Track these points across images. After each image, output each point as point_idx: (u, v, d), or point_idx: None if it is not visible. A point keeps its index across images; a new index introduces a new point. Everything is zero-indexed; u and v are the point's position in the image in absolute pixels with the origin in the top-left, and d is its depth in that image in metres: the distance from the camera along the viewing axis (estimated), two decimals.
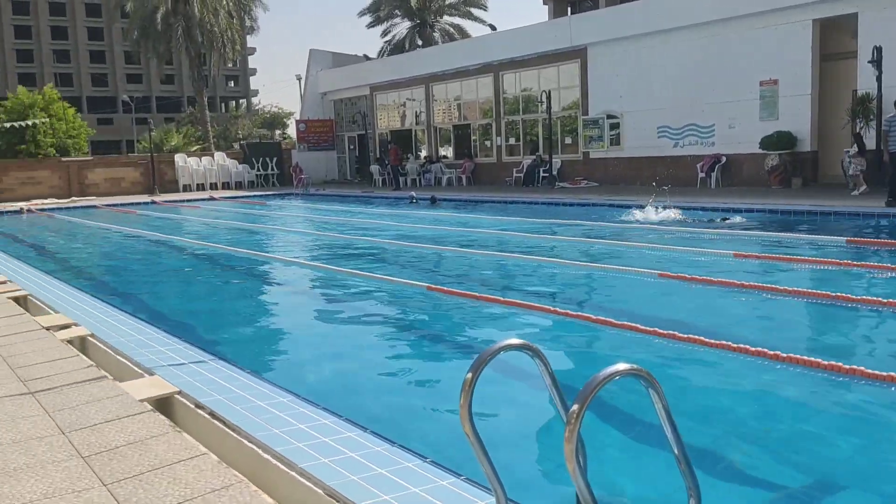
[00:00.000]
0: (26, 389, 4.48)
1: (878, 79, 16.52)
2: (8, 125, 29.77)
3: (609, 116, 23.87)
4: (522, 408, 4.70)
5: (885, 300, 6.78)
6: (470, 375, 2.55)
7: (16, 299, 7.72)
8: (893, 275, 8.43)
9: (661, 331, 5.89)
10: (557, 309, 6.98)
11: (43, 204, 26.01)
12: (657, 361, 5.52)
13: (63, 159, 30.47)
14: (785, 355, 5.12)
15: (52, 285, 8.88)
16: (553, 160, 24.90)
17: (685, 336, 5.74)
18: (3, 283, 8.79)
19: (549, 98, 24.44)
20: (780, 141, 19.14)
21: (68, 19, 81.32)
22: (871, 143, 17.12)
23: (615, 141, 23.84)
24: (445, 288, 8.46)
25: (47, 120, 30.75)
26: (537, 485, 3.63)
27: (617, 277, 9.06)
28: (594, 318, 6.53)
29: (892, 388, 4.57)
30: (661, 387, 2.33)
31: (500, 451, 3.77)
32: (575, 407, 2.17)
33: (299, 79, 37.50)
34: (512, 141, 28.20)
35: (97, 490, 3.07)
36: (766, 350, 5.23)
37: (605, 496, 2.78)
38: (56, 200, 27.46)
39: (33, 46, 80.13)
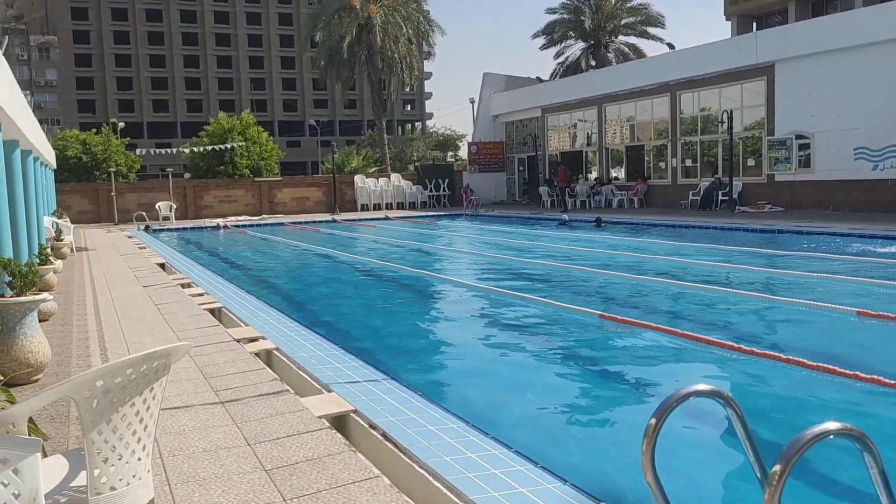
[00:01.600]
0: (217, 399, 4.78)
1: None
2: (210, 148, 32.64)
3: (798, 137, 22.31)
4: (709, 458, 4.38)
5: None
6: (654, 421, 2.39)
7: (211, 311, 8.35)
8: None
9: (863, 374, 5.34)
10: (741, 346, 6.52)
11: (237, 220, 28.20)
12: (859, 409, 5.00)
13: (256, 179, 32.93)
14: None
15: (243, 298, 9.52)
16: (733, 182, 23.62)
17: (891, 382, 5.16)
18: (202, 294, 9.55)
19: (730, 118, 23.27)
20: None
21: (264, 49, 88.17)
22: None
23: (804, 163, 22.24)
24: (619, 317, 8.19)
25: (244, 143, 33.38)
26: None
27: (810, 313, 8.36)
28: (784, 357, 6.04)
29: None
30: (875, 448, 2.06)
31: None
32: (777, 468, 1.96)
33: (472, 102, 38.24)
34: (688, 162, 27.10)
35: None
36: None
37: None
38: (248, 217, 29.68)
39: (233, 75, 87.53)
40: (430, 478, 3.44)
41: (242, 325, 7.51)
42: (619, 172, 30.76)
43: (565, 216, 23.37)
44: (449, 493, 3.26)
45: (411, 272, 13.19)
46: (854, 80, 20.50)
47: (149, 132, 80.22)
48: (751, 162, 24.58)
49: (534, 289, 10.68)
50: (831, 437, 1.99)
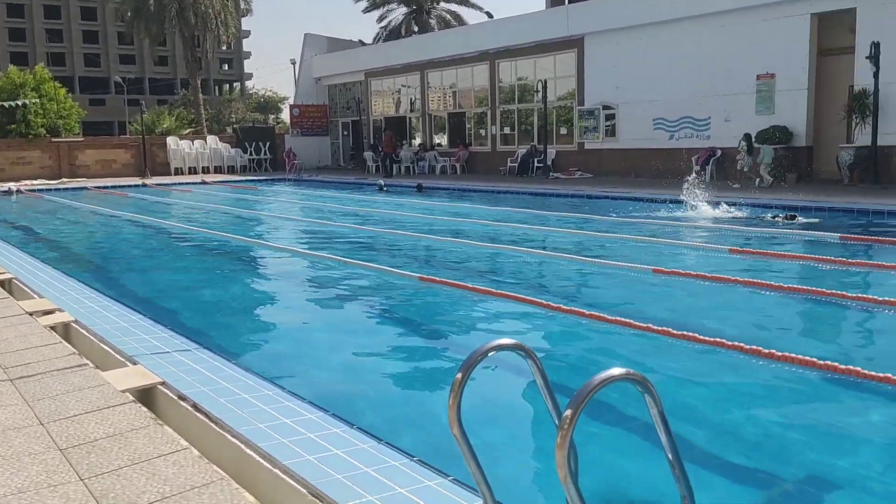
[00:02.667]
0: (5, 376, 4.37)
1: (875, 75, 16.46)
2: None
3: (605, 107, 23.75)
4: (514, 409, 4.62)
5: (882, 299, 6.73)
6: (460, 376, 2.46)
7: (0, 282, 7.60)
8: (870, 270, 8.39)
9: (655, 327, 5.82)
10: (552, 304, 6.89)
11: (33, 184, 25.77)
12: (650, 358, 5.46)
13: (54, 140, 30.17)
14: (780, 354, 5.06)
15: (37, 269, 8.75)
16: (548, 150, 24.79)
17: (678, 333, 5.67)
18: None
19: (545, 88, 24.30)
20: (776, 135, 19.07)
21: None
22: (865, 139, 17.09)
23: (610, 132, 23.74)
24: (438, 279, 8.37)
25: (38, 100, 30.41)
26: (527, 490, 3.56)
27: (613, 272, 8.98)
28: (588, 313, 6.45)
29: (888, 387, 4.52)
30: (656, 391, 2.25)
31: (490, 454, 3.70)
32: (568, 412, 2.09)
33: (294, 63, 37.23)
34: (507, 130, 28.07)
35: (74, 485, 2.98)
36: (760, 349, 5.17)
37: (596, 501, 2.70)
38: (46, 181, 27.21)
39: (25, 25, 79.27)
40: (243, 446, 3.36)
41: (36, 296, 6.90)
42: (443, 139, 31.30)
43: (381, 181, 23.55)
44: (262, 461, 3.19)
45: (229, 238, 12.72)
46: (655, 54, 22.06)
47: None
48: (563, 131, 25.89)
49: (356, 253, 10.66)
50: (616, 381, 2.14)
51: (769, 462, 3.85)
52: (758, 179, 18.48)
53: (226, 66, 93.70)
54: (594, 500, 2.91)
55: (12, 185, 24.76)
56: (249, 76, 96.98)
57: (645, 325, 5.91)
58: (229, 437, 3.47)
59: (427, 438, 4.02)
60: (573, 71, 24.79)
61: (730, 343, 5.33)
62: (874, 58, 16.44)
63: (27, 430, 3.55)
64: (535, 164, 25.22)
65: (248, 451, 3.30)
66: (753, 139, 19.18)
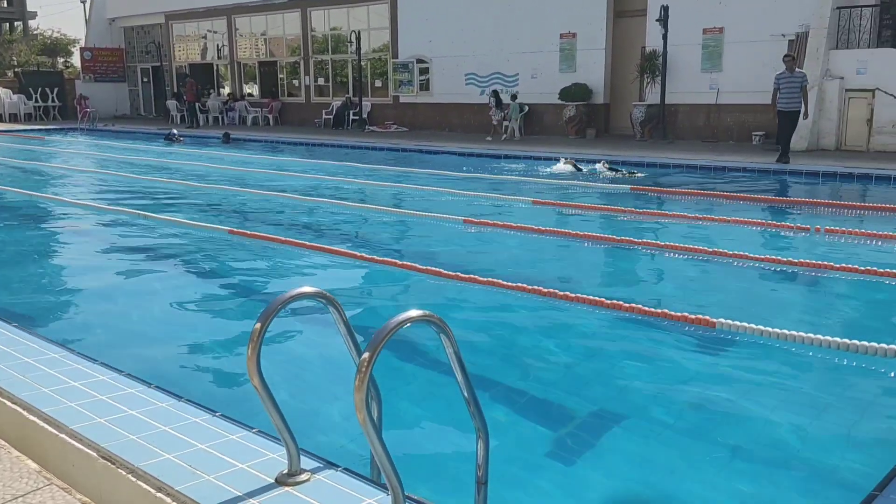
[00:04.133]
0: None
1: (664, 37, 17.77)
2: None
3: (419, 61, 23.88)
4: (319, 358, 4.61)
5: (663, 243, 7.40)
6: (258, 325, 2.41)
7: None
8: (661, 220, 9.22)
9: (463, 275, 6.03)
10: (363, 254, 6.92)
11: None
12: (461, 304, 5.65)
13: None
14: (574, 295, 5.42)
15: None
16: (363, 103, 24.60)
17: (484, 280, 5.91)
18: None
19: (358, 39, 23.98)
20: (577, 93, 20.14)
21: None
22: (654, 97, 18.49)
23: (425, 86, 23.95)
24: (248, 231, 8.12)
25: None
26: (332, 435, 3.58)
27: (427, 223, 9.14)
28: (400, 263, 6.55)
29: (664, 322, 5.00)
30: (452, 332, 2.33)
31: (294, 403, 3.69)
32: (365, 355, 2.11)
33: (84, 1, 33.91)
34: (321, 81, 27.49)
35: None
36: (556, 291, 5.51)
37: (397, 443, 2.78)
38: None
39: None
40: (25, 412, 3.09)
41: None
42: (254, 89, 30.09)
43: (174, 131, 22.38)
44: (46, 425, 2.96)
45: (10, 193, 11.54)
46: (464, 11, 22.39)
47: None
48: (378, 83, 25.77)
49: (159, 208, 10.07)
50: (413, 323, 2.19)
51: (559, 394, 4.15)
52: (509, 131, 20.55)
53: (4, 3, 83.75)
54: (397, 441, 3.00)
55: None
56: (33, 15, 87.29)
57: (454, 274, 6.10)
58: (8, 403, 3.18)
59: (232, 393, 3.93)
60: (387, 23, 24.63)
61: (529, 287, 5.64)
62: (663, 20, 17.72)
63: None
64: (351, 116, 24.97)
65: (30, 416, 3.05)
66: (502, 94, 21.12)
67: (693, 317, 4.93)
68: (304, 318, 5.02)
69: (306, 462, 2.61)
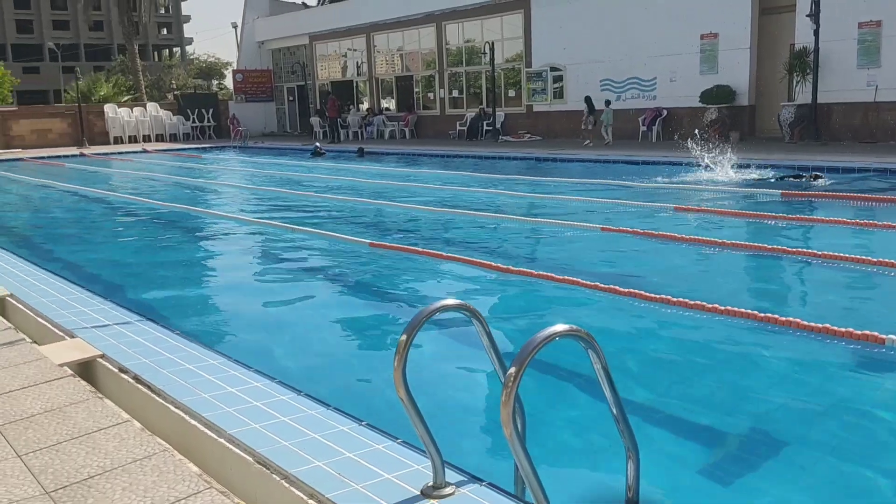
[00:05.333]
0: None
1: (816, 33, 16.73)
2: None
3: (552, 69, 23.71)
4: (462, 370, 4.61)
5: (821, 252, 6.91)
6: (404, 338, 2.43)
7: None
8: (825, 226, 8.61)
9: (603, 285, 5.87)
10: (500, 265, 6.90)
11: None
12: (600, 317, 5.51)
13: None
14: (724, 308, 5.15)
15: None
16: (497, 113, 24.71)
17: (626, 290, 5.73)
18: None
19: (492, 50, 24.13)
20: (720, 95, 19.32)
21: None
22: (805, 97, 17.42)
23: (558, 94, 23.75)
24: (388, 244, 8.30)
25: None
26: (475, 449, 3.56)
27: (562, 232, 9.02)
28: (537, 273, 6.48)
29: (827, 340, 4.64)
30: (600, 347, 2.26)
31: (438, 416, 3.70)
32: (512, 370, 2.08)
33: (235, 27, 36.13)
34: (455, 93, 27.87)
35: (11, 461, 2.89)
36: (703, 303, 5.26)
37: (543, 460, 2.71)
38: None
39: None
40: (187, 416, 3.28)
41: None
42: (391, 103, 30.94)
43: (317, 144, 23.50)
44: (206, 430, 3.13)
45: (171, 207, 12.41)
46: (600, 15, 22.05)
47: None
48: (511, 93, 25.81)
49: (303, 220, 10.51)
50: (560, 338, 2.13)
51: (714, 415, 3.93)
52: (604, 136, 20.55)
53: (164, 31, 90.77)
54: (542, 457, 2.93)
55: None
56: (190, 41, 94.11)
57: (593, 284, 5.95)
58: (172, 408, 3.39)
59: (376, 403, 4.00)
60: (520, 32, 24.65)
61: (675, 300, 5.41)
62: (814, 15, 16.68)
63: None
64: (484, 127, 25.14)
65: (192, 421, 3.23)
66: (594, 101, 20.96)
67: (859, 332, 4.56)
68: (447, 331, 5.05)
69: (451, 475, 2.60)
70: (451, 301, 2.52)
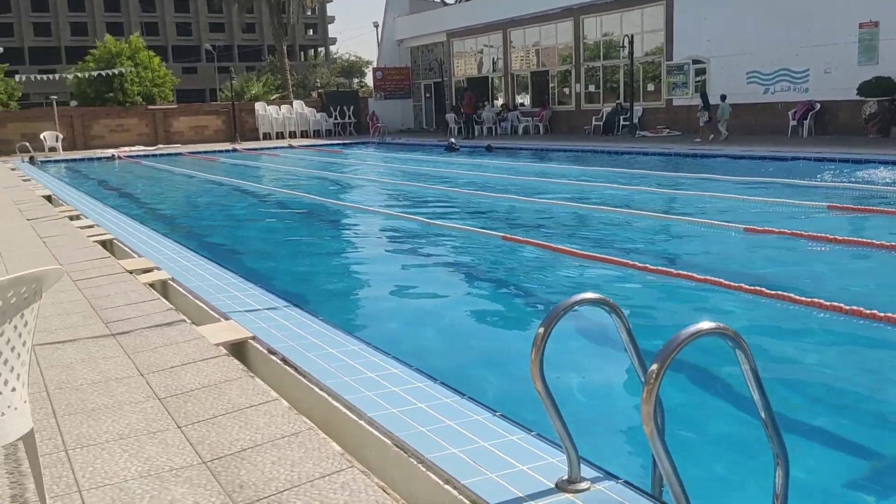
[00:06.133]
0: (108, 331, 4.61)
1: None
2: (96, 73, 30.70)
3: (695, 62, 22.85)
4: (599, 366, 4.56)
5: None
6: (542, 330, 2.44)
7: (102, 243, 7.98)
8: None
9: (747, 286, 5.62)
10: (637, 263, 6.74)
11: (131, 151, 26.89)
12: (744, 319, 5.28)
13: (149, 107, 31.33)
14: (883, 314, 4.80)
15: (137, 230, 9.14)
16: (634, 108, 24.10)
17: (773, 293, 5.46)
18: (91, 227, 9.11)
19: (631, 43, 23.55)
20: (880, 87, 17.93)
21: None
22: None
23: (701, 87, 22.83)
24: (521, 238, 8.31)
25: (134, 69, 31.54)
26: (612, 446, 3.52)
27: (702, 231, 8.71)
28: (676, 272, 6.29)
29: None
30: (748, 347, 2.17)
31: (574, 409, 3.67)
32: (654, 367, 2.04)
33: (376, 26, 37.19)
34: (592, 88, 27.42)
35: (171, 432, 3.12)
36: (862, 309, 4.92)
37: (684, 461, 2.64)
38: (144, 147, 28.33)
39: None
40: (330, 398, 3.44)
41: (135, 256, 7.22)
42: (525, 99, 30.87)
43: (452, 140, 23.84)
44: (348, 412, 3.26)
45: (315, 200, 12.96)
46: (747, 4, 21.01)
47: (30, 58, 74.64)
48: (650, 87, 25.09)
49: (437, 214, 10.70)
50: (705, 336, 2.07)
51: (865, 427, 3.68)
52: (720, 132, 20.03)
53: (311, 32, 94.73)
54: (682, 458, 2.85)
55: (114, 152, 25.92)
56: (333, 41, 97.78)
57: (736, 285, 5.71)
58: (317, 389, 3.56)
59: (511, 394, 4.02)
60: (661, 25, 23.90)
61: (827, 304, 5.10)
62: None
63: (128, 381, 3.74)
64: (621, 122, 24.59)
65: (335, 402, 3.37)
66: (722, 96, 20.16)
67: None
68: (585, 325, 5.00)
69: (586, 471, 2.58)
70: (590, 295, 2.50)
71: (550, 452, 2.78)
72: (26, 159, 23.47)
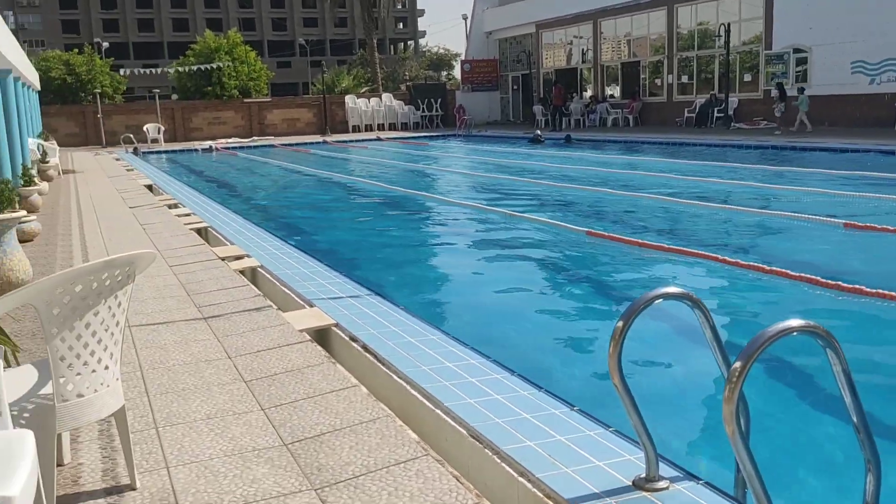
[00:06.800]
0: (200, 315, 4.79)
1: None
2: (196, 68, 31.90)
3: (796, 51, 21.86)
4: (680, 362, 4.44)
5: None
6: (621, 324, 2.38)
7: (197, 230, 8.31)
8: None
9: (846, 285, 5.35)
10: (727, 258, 6.52)
11: (228, 143, 27.84)
12: (841, 318, 5.04)
13: (245, 100, 32.35)
14: None
15: (230, 218, 9.46)
16: (729, 99, 23.27)
17: (872, 291, 5.18)
18: (188, 215, 9.49)
19: (727, 32, 22.73)
20: None
21: None
22: None
23: (801, 77, 21.85)
24: (606, 233, 8.17)
25: (231, 63, 32.61)
26: (693, 445, 3.42)
27: (799, 226, 8.34)
28: (769, 269, 6.05)
29: None
30: (840, 347, 2.06)
31: (653, 406, 3.59)
32: (737, 364, 1.96)
33: (465, 18, 37.21)
34: (684, 79, 26.63)
35: (255, 414, 3.22)
36: None
37: (766, 464, 2.54)
38: (239, 140, 29.29)
39: None
40: (408, 386, 3.47)
41: (228, 243, 7.48)
42: (615, 90, 30.29)
43: (538, 132, 23.72)
44: (425, 401, 3.28)
45: (400, 191, 13.10)
46: None
47: (135, 52, 78.34)
48: (747, 77, 24.17)
49: (521, 206, 10.63)
50: (793, 334, 1.98)
51: None
52: (797, 124, 19.75)
53: (400, 25, 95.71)
54: (766, 460, 2.75)
55: (212, 144, 26.92)
56: (423, 34, 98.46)
57: (834, 283, 5.45)
58: (395, 377, 3.60)
59: (588, 389, 3.96)
60: (760, 12, 22.96)
61: None
62: None
63: (217, 363, 3.88)
64: (715, 113, 23.80)
65: (413, 391, 3.40)
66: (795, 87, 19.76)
67: None
68: (665, 321, 4.88)
69: (665, 470, 2.51)
70: (672, 289, 2.43)
71: (628, 449, 2.72)
72: (130, 150, 24.65)
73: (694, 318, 2.45)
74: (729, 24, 22.98)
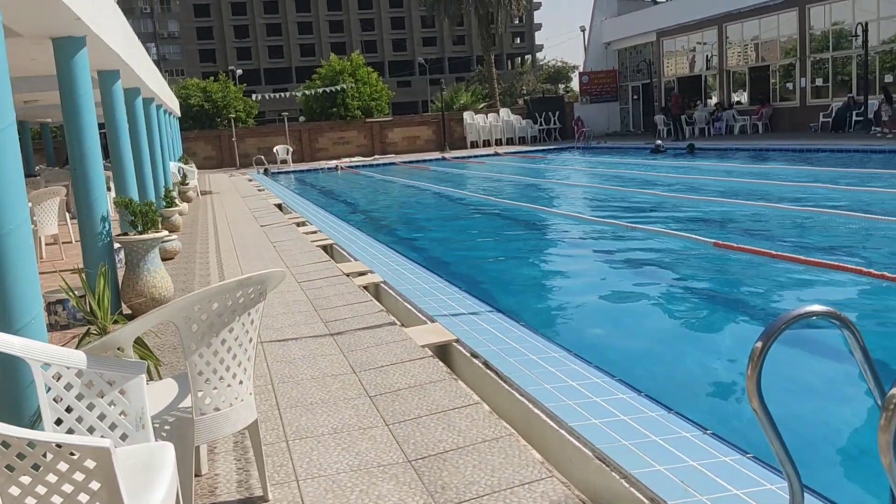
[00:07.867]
0: (326, 330, 4.92)
1: None
2: (322, 91, 33.19)
3: None
4: (825, 386, 4.15)
5: None
6: (760, 344, 2.24)
7: (324, 247, 8.59)
8: None
9: None
10: (872, 271, 6.07)
11: (351, 161, 28.74)
12: None
13: (368, 120, 33.32)
14: None
15: (354, 235, 9.73)
16: (869, 102, 21.80)
17: None
18: (315, 232, 9.83)
19: (865, 31, 21.34)
20: None
21: None
22: None
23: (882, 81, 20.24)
24: (735, 244, 7.80)
25: (353, 85, 33.71)
26: (842, 476, 3.17)
27: None
28: None
29: None
30: None
31: (795, 433, 3.37)
32: (894, 391, 1.79)
33: (583, 30, 36.84)
34: (819, 82, 25.20)
35: (380, 429, 3.26)
36: None
37: None
38: (362, 158, 30.18)
39: (343, 17, 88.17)
40: (530, 405, 3.41)
41: (352, 260, 7.69)
42: (742, 96, 29.06)
43: (659, 142, 23.10)
44: (548, 420, 3.22)
45: (518, 206, 13.06)
46: None
47: (266, 78, 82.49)
48: (889, 78, 22.59)
49: (643, 218, 10.34)
50: None
51: None
52: None
53: (518, 40, 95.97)
54: None
55: (337, 163, 27.88)
56: (540, 48, 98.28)
57: None
58: (517, 395, 3.55)
59: (723, 412, 3.77)
60: None
61: None
62: None
63: (342, 378, 3.96)
64: (854, 117, 22.36)
65: (535, 409, 3.35)
66: None
67: None
68: (808, 341, 4.59)
69: (810, 501, 2.34)
70: (817, 307, 2.26)
71: (768, 478, 2.56)
72: (261, 171, 25.90)
73: (838, 337, 2.28)
74: (866, 23, 21.58)
